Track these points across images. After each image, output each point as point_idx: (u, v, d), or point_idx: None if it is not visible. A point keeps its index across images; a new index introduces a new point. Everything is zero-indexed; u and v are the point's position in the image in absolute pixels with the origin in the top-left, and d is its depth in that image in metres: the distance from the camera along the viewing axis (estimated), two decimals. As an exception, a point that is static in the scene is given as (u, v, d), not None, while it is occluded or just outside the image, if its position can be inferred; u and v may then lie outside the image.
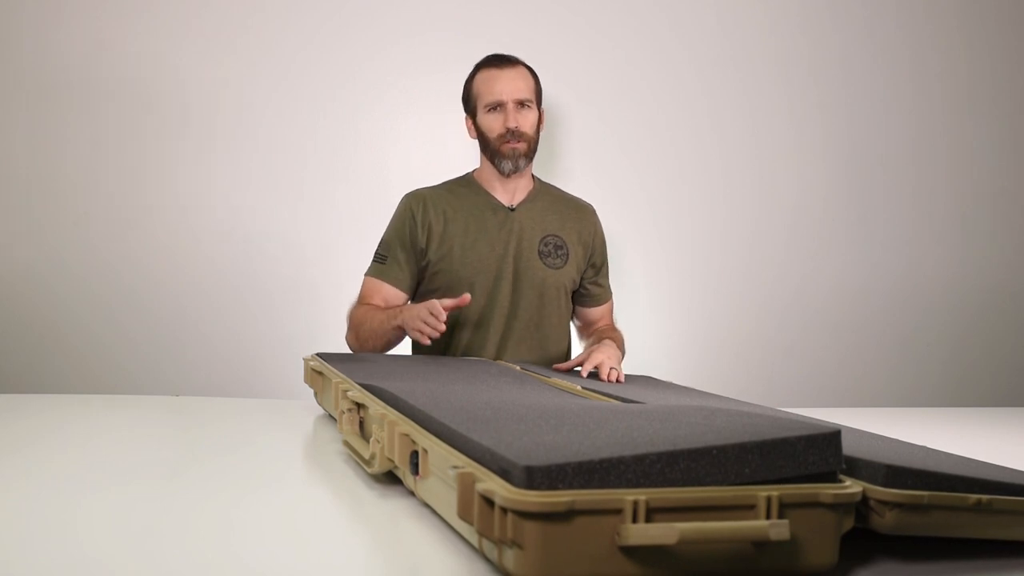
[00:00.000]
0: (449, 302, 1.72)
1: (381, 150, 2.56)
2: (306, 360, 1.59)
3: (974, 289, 2.82)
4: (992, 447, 1.49)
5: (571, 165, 2.61)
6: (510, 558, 0.63)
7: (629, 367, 2.13)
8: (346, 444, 1.10)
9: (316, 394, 1.54)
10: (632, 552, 0.63)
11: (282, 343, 2.46)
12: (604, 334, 1.99)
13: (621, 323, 2.14)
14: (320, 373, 1.47)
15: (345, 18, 2.55)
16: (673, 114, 2.69)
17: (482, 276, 1.92)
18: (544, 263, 1.96)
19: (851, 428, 1.11)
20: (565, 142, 2.63)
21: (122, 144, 2.48)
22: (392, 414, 0.98)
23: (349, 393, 1.17)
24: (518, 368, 1.62)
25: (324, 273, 2.50)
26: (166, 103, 2.49)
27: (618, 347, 1.87)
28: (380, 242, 1.99)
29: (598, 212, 2.11)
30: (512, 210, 1.98)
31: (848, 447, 0.82)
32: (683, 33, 2.69)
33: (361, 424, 1.14)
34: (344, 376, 1.30)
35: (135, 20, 2.48)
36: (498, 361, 1.83)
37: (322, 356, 1.58)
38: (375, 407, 1.04)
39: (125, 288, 2.47)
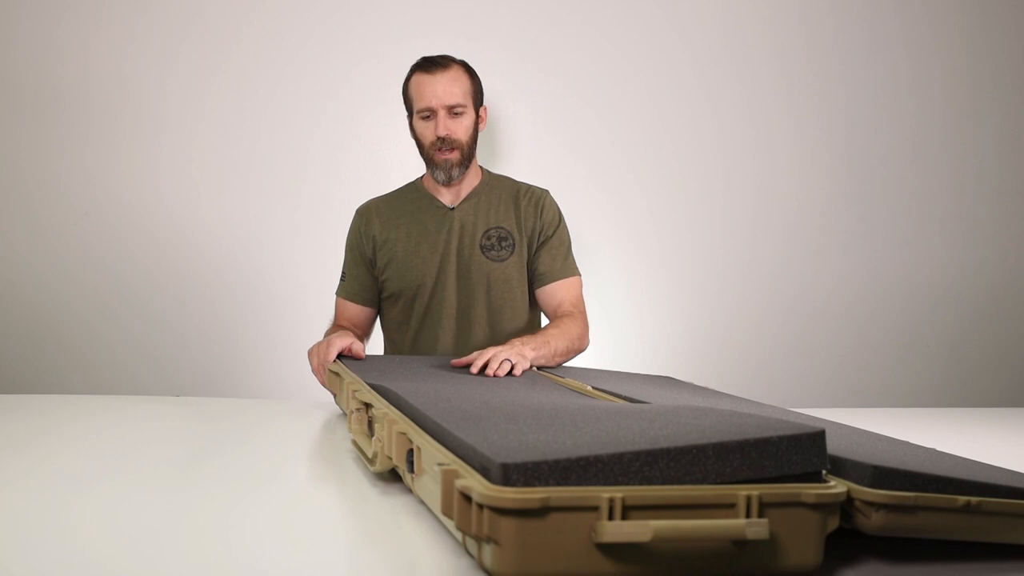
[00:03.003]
0: (342, 349, 1.63)
1: (381, 150, 2.57)
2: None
3: (974, 289, 2.81)
4: (992, 447, 1.49)
5: (570, 165, 2.61)
6: (488, 554, 0.64)
7: (630, 366, 2.13)
8: (354, 443, 1.12)
9: (336, 397, 1.55)
10: (609, 549, 0.63)
11: (282, 343, 2.47)
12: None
13: (621, 323, 2.13)
14: (338, 374, 1.49)
15: (345, 18, 2.55)
16: (672, 114, 2.68)
17: (427, 278, 1.94)
18: (487, 256, 1.94)
19: (847, 426, 1.10)
20: (565, 143, 2.63)
21: (122, 144, 2.49)
22: (393, 413, 0.99)
23: (357, 393, 1.19)
24: (533, 368, 1.63)
25: (324, 273, 2.50)
26: (166, 103, 2.50)
27: (545, 339, 1.71)
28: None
29: (596, 210, 2.10)
30: (452, 209, 1.97)
31: (838, 446, 0.81)
32: (683, 33, 2.68)
33: (370, 423, 1.16)
34: (356, 377, 1.32)
35: (135, 21, 2.49)
36: None
37: (342, 358, 1.60)
38: (379, 406, 1.06)
39: (125, 288, 2.48)
